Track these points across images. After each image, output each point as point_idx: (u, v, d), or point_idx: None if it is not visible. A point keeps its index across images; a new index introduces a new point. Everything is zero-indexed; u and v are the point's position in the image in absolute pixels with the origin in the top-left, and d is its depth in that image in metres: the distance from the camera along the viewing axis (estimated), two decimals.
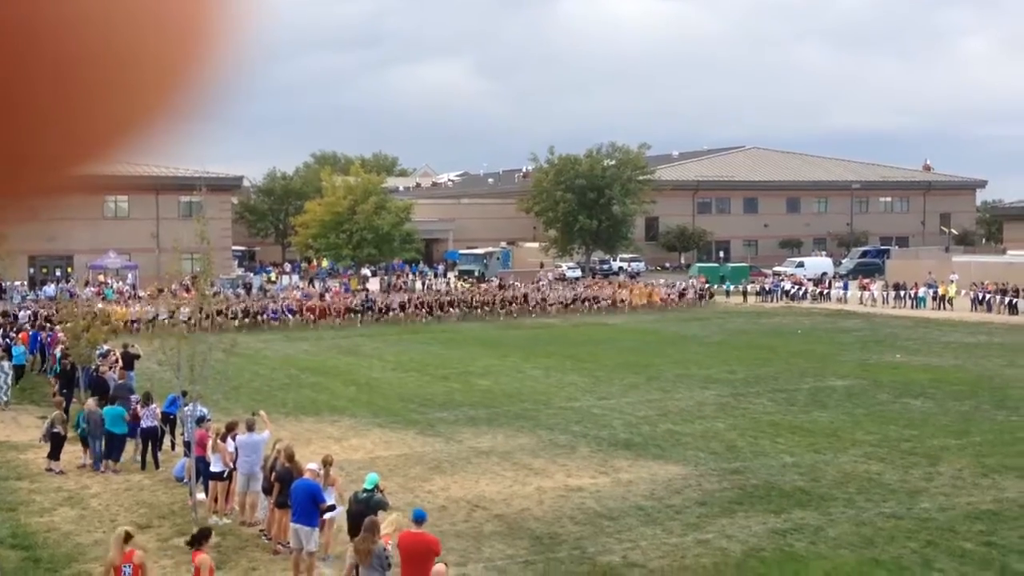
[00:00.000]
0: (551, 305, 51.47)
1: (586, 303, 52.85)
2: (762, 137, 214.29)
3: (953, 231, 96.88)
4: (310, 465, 14.13)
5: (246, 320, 44.28)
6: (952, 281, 54.22)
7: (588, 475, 18.66)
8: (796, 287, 60.02)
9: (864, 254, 78.32)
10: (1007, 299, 50.22)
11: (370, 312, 47.88)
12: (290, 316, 45.70)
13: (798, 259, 77.49)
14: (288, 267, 77.01)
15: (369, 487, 13.20)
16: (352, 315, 47.29)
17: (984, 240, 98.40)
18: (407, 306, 48.59)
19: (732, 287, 61.58)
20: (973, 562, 13.84)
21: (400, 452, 20.70)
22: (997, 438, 21.64)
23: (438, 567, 10.38)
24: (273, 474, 14.77)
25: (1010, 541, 14.69)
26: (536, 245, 79.98)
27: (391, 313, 47.81)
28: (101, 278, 59.74)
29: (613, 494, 17.33)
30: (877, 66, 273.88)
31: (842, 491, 17.44)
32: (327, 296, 51.56)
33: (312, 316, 45.87)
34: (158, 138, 0.93)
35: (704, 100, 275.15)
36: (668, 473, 18.77)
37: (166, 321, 36.39)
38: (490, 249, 78.06)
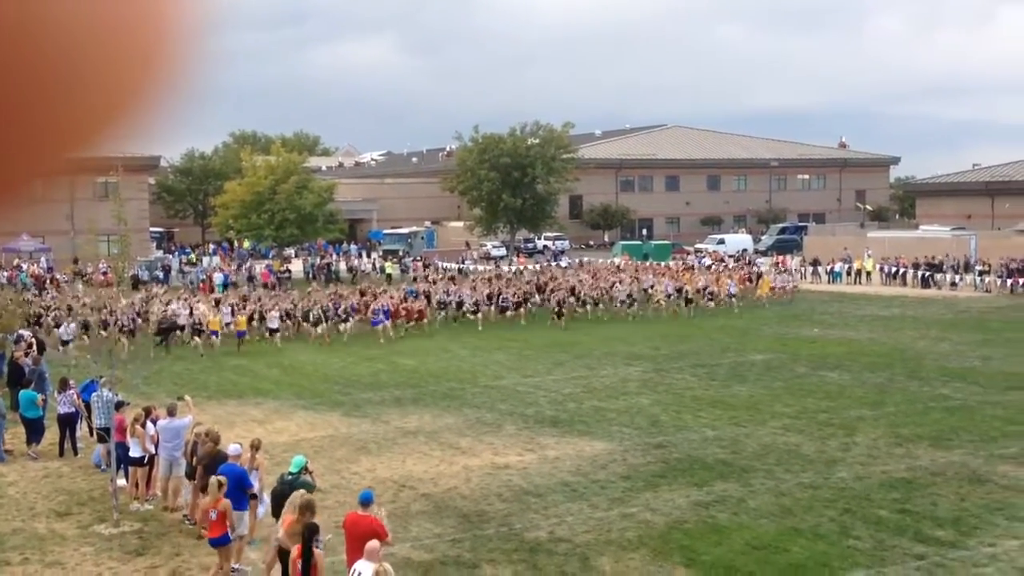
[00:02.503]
0: (658, 302, 40.90)
1: (700, 295, 41.84)
2: (684, 116, 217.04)
3: (868, 207, 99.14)
4: (230, 449, 13.93)
5: (342, 324, 34.76)
6: (869, 256, 55.55)
7: (515, 453, 18.76)
8: (717, 263, 60.85)
9: (783, 231, 79.82)
10: (920, 273, 51.62)
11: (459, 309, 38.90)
12: (386, 320, 34.72)
13: (719, 236, 78.66)
14: (212, 248, 75.63)
15: (295, 470, 13.09)
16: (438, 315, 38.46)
17: (898, 216, 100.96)
18: (521, 299, 39.68)
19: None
20: (888, 529, 14.26)
21: (325, 433, 20.57)
22: (910, 408, 22.30)
23: (371, 543, 10.37)
24: (195, 458, 14.56)
25: (923, 508, 15.16)
26: (460, 224, 79.85)
27: (495, 310, 39.01)
28: (16, 262, 58.06)
29: (540, 471, 17.47)
30: (795, 46, 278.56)
31: (762, 463, 17.82)
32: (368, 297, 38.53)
33: (410, 319, 36.20)
34: (135, 127, 0.99)
35: (627, 80, 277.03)
36: (593, 449, 18.96)
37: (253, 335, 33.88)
38: (414, 229, 77.71)
